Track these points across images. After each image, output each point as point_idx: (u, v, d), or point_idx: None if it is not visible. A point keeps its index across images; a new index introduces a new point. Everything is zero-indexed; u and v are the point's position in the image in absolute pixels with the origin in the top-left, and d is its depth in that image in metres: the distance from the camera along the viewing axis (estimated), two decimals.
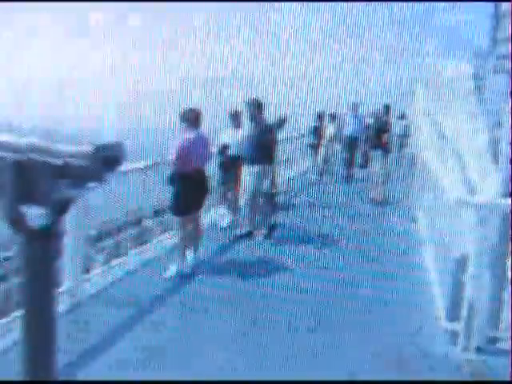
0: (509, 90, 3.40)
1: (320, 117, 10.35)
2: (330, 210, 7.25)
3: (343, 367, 3.10)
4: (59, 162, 0.74)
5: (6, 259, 3.60)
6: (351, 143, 9.83)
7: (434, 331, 3.67)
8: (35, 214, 0.75)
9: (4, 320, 3.35)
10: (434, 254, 4.90)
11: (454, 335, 3.49)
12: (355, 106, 9.65)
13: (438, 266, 4.55)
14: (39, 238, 0.77)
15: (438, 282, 4.31)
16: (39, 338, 0.81)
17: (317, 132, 10.26)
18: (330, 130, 10.08)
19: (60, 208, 0.77)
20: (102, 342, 3.30)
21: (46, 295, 0.81)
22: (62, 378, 0.86)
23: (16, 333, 3.16)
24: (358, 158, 10.18)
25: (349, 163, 9.88)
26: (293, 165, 10.01)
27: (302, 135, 10.41)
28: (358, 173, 9.75)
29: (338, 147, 10.22)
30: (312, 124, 10.27)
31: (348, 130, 9.87)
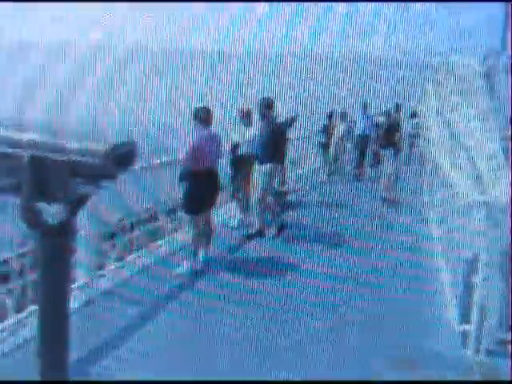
0: (509, 90, 3.37)
1: (330, 115, 10.30)
2: (340, 208, 7.23)
3: (353, 367, 3.10)
4: (74, 159, 0.76)
5: (21, 255, 3.66)
6: (362, 142, 9.78)
7: (444, 333, 3.64)
8: (50, 212, 0.77)
9: (19, 316, 3.40)
10: (446, 255, 4.86)
11: (464, 337, 3.47)
12: (365, 105, 9.60)
13: (449, 266, 4.52)
14: (54, 234, 0.79)
15: (450, 283, 4.27)
16: (53, 334, 0.82)
17: (327, 130, 10.21)
18: (340, 128, 10.03)
19: (74, 205, 0.79)
20: (114, 339, 3.33)
21: (60, 291, 0.83)
22: (73, 373, 0.88)
23: (29, 328, 3.22)
24: (369, 157, 10.12)
25: (359, 162, 9.84)
26: (303, 163, 9.98)
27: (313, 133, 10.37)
28: (368, 172, 9.69)
29: (348, 146, 10.17)
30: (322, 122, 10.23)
31: (358, 128, 9.83)
